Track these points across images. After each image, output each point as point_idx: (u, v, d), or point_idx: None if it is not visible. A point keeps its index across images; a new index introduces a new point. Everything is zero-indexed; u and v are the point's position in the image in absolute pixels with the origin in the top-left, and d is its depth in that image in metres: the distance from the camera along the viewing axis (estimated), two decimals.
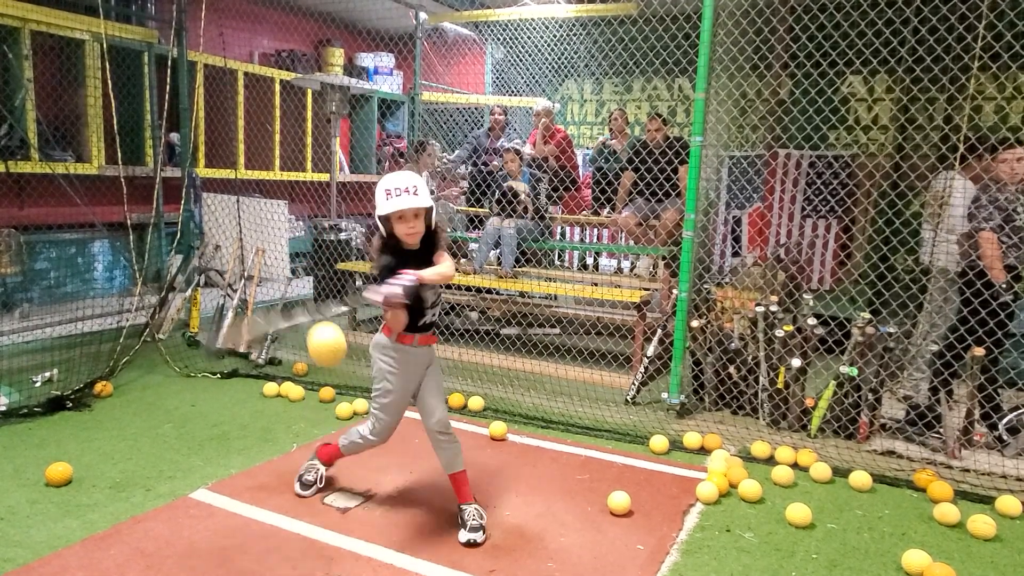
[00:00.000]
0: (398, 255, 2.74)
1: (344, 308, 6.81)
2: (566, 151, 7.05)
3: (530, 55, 8.17)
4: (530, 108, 8.35)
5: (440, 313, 3.03)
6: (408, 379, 2.90)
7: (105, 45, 5.61)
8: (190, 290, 5.94)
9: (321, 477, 3.23)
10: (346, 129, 8.76)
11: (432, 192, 7.23)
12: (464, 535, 2.83)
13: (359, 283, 6.54)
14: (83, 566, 2.57)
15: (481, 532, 2.84)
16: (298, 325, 4.13)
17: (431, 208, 2.75)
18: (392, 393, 2.90)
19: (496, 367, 5.42)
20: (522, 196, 5.96)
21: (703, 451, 3.94)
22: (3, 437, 3.73)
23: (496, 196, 6.10)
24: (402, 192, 2.68)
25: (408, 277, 2.58)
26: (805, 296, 4.74)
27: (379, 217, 2.72)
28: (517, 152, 6.22)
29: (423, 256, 2.78)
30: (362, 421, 3.16)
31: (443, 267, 2.74)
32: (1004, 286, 4.02)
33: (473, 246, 6.51)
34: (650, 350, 4.86)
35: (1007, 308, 4.03)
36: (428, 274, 2.65)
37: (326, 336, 2.87)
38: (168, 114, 5.90)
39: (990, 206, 4.03)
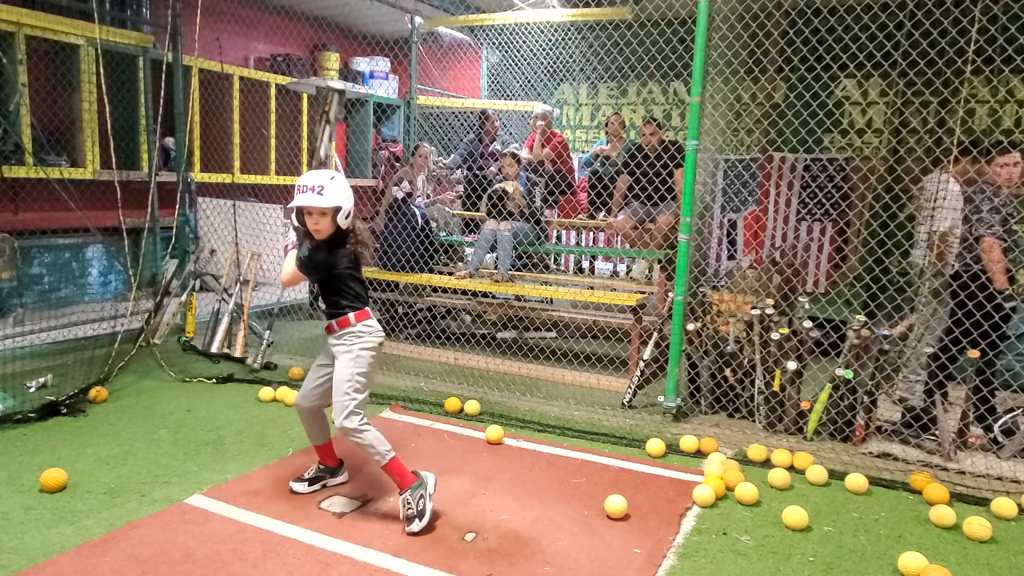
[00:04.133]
0: (312, 245, 3.03)
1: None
2: (562, 155, 7.07)
3: (525, 59, 8.18)
4: (525, 112, 8.38)
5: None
6: (322, 355, 3.17)
7: (100, 50, 5.60)
8: (185, 295, 5.93)
9: (317, 467, 3.33)
10: (342, 134, 8.76)
11: (427, 195, 7.23)
12: (405, 527, 2.94)
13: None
14: (78, 572, 2.56)
15: (416, 521, 2.91)
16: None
17: (337, 210, 2.92)
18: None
19: (492, 371, 5.42)
20: (512, 193, 5.96)
21: (699, 454, 3.94)
22: None
23: (486, 198, 6.10)
24: (307, 190, 2.91)
25: (293, 239, 3.11)
26: (801, 299, 4.75)
27: (294, 208, 2.98)
28: (514, 156, 6.23)
29: (325, 250, 2.99)
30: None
31: (291, 263, 3.09)
32: (1005, 294, 4.04)
33: (469, 250, 6.51)
34: (646, 353, 4.87)
35: (1001, 310, 4.05)
36: (289, 256, 3.11)
37: None
38: (163, 119, 5.89)
39: (995, 212, 4.04)
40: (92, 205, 5.78)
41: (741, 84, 6.68)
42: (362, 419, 2.95)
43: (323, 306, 3.09)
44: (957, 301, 4.19)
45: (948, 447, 3.90)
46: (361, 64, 9.03)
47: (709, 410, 4.66)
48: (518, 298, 6.19)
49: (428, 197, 7.26)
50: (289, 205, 2.98)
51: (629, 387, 4.82)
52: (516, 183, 6.18)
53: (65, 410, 4.15)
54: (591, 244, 7.75)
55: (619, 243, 6.57)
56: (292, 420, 4.26)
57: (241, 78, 7.24)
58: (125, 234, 5.36)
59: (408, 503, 2.93)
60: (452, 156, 7.67)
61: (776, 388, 4.34)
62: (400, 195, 6.32)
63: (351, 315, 3.02)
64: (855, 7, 5.80)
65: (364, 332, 3.04)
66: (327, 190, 2.89)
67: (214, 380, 4.93)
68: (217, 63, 6.53)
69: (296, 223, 3.04)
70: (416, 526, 2.90)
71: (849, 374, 4.12)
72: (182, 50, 6.08)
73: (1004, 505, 3.31)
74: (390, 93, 9.09)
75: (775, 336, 4.36)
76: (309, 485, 3.27)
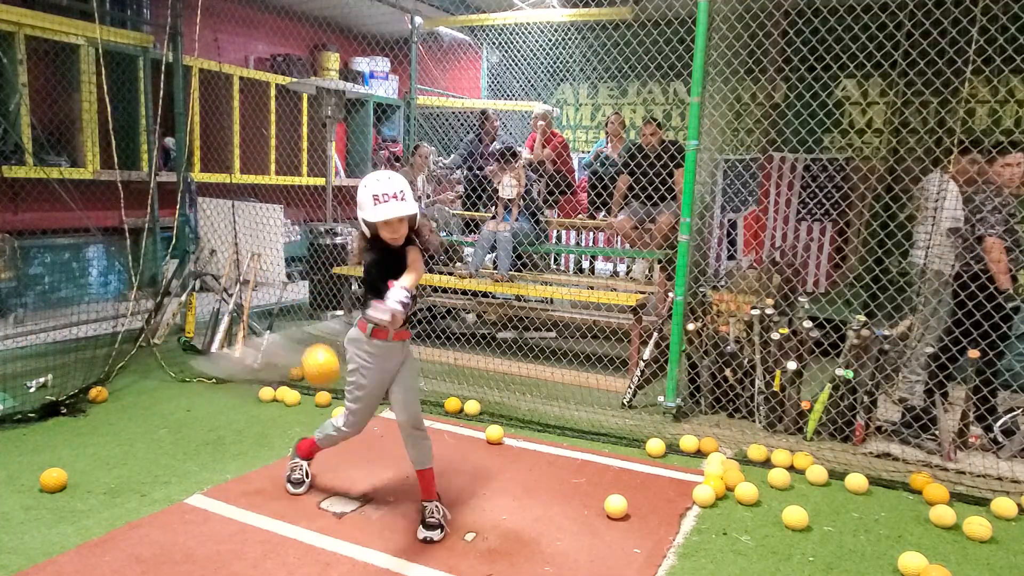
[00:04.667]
0: (382, 254, 2.83)
1: (340, 312, 6.81)
2: (562, 155, 7.07)
3: (525, 59, 8.19)
4: (525, 112, 8.38)
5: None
6: (382, 374, 2.94)
7: (100, 50, 5.61)
8: (185, 295, 5.93)
9: (307, 472, 3.28)
10: (342, 134, 8.77)
11: (427, 195, 7.24)
12: (421, 532, 2.88)
13: (355, 287, 6.53)
14: (78, 572, 2.56)
15: (439, 531, 2.89)
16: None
17: (415, 215, 2.78)
18: (365, 388, 2.95)
19: (492, 371, 5.42)
20: (522, 157, 5.96)
21: (700, 454, 3.94)
22: None
23: (498, 153, 6.07)
24: (390, 198, 2.71)
25: (402, 294, 2.68)
26: (801, 299, 4.75)
27: (364, 220, 2.76)
28: (514, 154, 6.23)
29: (402, 252, 2.85)
30: (338, 414, 3.18)
31: (416, 268, 2.82)
32: (1006, 294, 4.04)
33: (469, 250, 6.51)
34: (646, 354, 4.87)
35: (1002, 310, 4.04)
36: (410, 282, 2.75)
37: (319, 358, 3.00)
38: (163, 119, 5.89)
39: (998, 212, 4.04)
40: (92, 205, 5.79)
41: (741, 84, 6.68)
42: None
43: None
44: (957, 301, 4.18)
45: (948, 447, 3.90)
46: (361, 64, 9.04)
47: (709, 410, 4.66)
48: (518, 298, 6.19)
49: (428, 197, 7.26)
50: (373, 219, 2.70)
51: (629, 387, 4.82)
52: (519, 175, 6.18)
53: (65, 410, 4.15)
54: (591, 244, 7.75)
55: (619, 243, 6.57)
56: (292, 420, 4.26)
57: (241, 78, 7.24)
58: (126, 234, 5.37)
59: (434, 512, 2.93)
60: (452, 156, 7.67)
61: (776, 388, 4.34)
62: None
63: None
64: (855, 7, 5.80)
65: None
66: (407, 195, 2.73)
67: (214, 380, 4.93)
68: (217, 63, 6.54)
69: (365, 235, 2.82)
70: (437, 535, 2.87)
71: (849, 374, 4.12)
72: (182, 50, 6.08)
73: (1004, 505, 3.31)
74: (390, 93, 9.10)
75: (775, 336, 4.36)
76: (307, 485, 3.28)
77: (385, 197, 2.70)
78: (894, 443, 4.09)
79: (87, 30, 5.68)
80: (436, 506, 2.95)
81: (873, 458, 3.94)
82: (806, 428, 4.25)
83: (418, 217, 2.82)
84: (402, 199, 2.71)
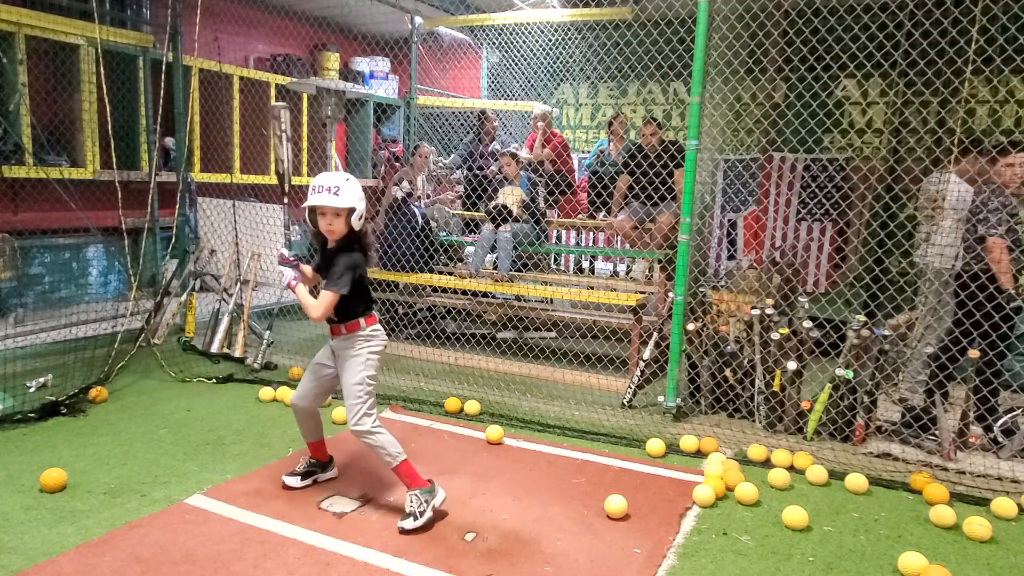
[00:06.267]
0: (321, 247, 3.09)
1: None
2: (562, 155, 7.07)
3: (525, 59, 8.19)
4: (525, 112, 8.38)
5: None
6: (318, 360, 3.18)
7: (100, 50, 5.60)
8: (185, 295, 5.93)
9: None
10: (342, 134, 8.76)
11: (427, 195, 7.24)
12: (399, 523, 2.95)
13: None
14: (78, 572, 2.56)
15: (411, 519, 2.93)
16: None
17: (352, 211, 2.92)
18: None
19: (492, 371, 5.42)
20: (514, 210, 5.97)
21: (700, 454, 3.94)
22: None
23: (492, 208, 6.10)
24: (323, 190, 2.90)
25: (292, 276, 3.00)
26: (801, 299, 4.75)
27: (307, 208, 2.99)
28: (514, 156, 6.23)
29: (333, 257, 2.98)
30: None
31: (312, 301, 2.97)
32: (1007, 294, 4.03)
33: (469, 250, 6.52)
34: (646, 354, 4.87)
35: (1003, 310, 4.04)
36: (299, 292, 2.98)
37: None
38: (163, 119, 5.88)
39: (999, 212, 4.04)
40: (92, 205, 5.78)
41: (741, 84, 6.68)
42: (375, 421, 2.98)
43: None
44: (958, 301, 4.18)
45: (948, 447, 3.90)
46: (361, 64, 9.03)
47: (709, 410, 4.66)
48: (518, 298, 6.19)
49: (428, 197, 7.26)
50: (303, 204, 2.96)
51: (629, 387, 4.82)
52: (517, 187, 6.17)
53: (65, 410, 4.15)
54: (591, 244, 7.75)
55: (619, 243, 6.57)
56: (292, 420, 4.25)
57: (241, 78, 7.24)
58: (125, 234, 5.36)
59: (412, 500, 2.96)
60: (452, 156, 7.68)
61: (776, 388, 4.34)
62: (400, 195, 6.32)
63: (362, 319, 3.04)
64: (855, 7, 5.80)
65: (373, 336, 3.07)
66: (343, 191, 2.90)
67: (214, 380, 4.93)
68: (217, 63, 6.53)
69: (309, 224, 3.05)
70: (409, 524, 2.91)
71: (849, 374, 4.12)
72: (182, 50, 6.07)
73: (1004, 505, 3.32)
74: (390, 93, 9.09)
75: (775, 336, 4.36)
76: (301, 480, 3.31)
77: (319, 188, 2.90)
78: (894, 443, 4.10)
79: (87, 30, 5.67)
80: (415, 495, 2.97)
81: (873, 458, 3.95)
82: (806, 428, 4.25)
83: (356, 218, 2.94)
84: (334, 193, 2.88)
